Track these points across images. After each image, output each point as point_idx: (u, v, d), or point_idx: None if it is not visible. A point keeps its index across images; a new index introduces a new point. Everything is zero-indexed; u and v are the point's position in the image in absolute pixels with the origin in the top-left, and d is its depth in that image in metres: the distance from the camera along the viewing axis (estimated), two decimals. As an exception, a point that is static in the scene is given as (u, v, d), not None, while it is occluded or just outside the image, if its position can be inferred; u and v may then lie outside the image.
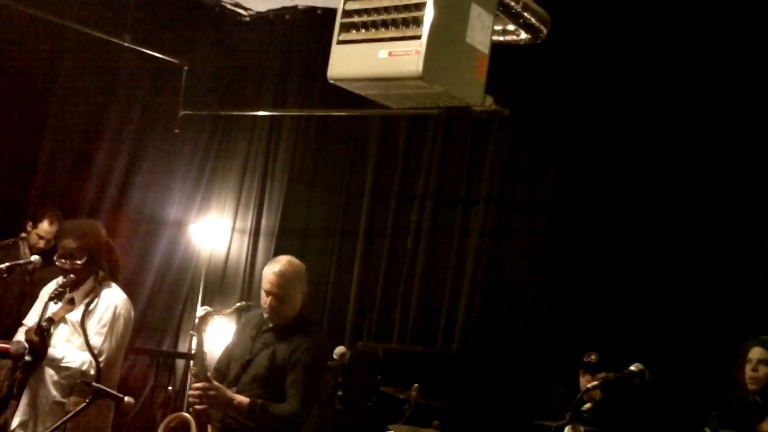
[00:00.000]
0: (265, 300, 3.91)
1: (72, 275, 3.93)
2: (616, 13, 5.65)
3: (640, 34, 5.58)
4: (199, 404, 3.69)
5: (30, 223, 5.68)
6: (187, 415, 3.76)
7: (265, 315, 3.93)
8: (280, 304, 3.89)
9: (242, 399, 3.74)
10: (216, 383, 3.75)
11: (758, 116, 5.19)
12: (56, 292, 3.88)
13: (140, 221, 7.48)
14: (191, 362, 3.93)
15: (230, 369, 3.97)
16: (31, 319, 4.17)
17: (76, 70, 6.96)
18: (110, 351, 3.95)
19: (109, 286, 4.11)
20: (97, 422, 3.97)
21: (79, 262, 3.97)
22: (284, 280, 3.89)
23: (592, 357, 4.70)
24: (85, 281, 4.03)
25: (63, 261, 3.98)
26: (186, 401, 3.95)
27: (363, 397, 5.28)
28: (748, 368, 4.20)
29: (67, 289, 3.93)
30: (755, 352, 4.20)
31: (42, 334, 3.73)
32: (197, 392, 3.70)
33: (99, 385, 3.35)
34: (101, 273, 4.09)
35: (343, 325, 6.72)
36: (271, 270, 3.93)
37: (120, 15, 6.85)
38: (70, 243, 4.01)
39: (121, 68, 7.24)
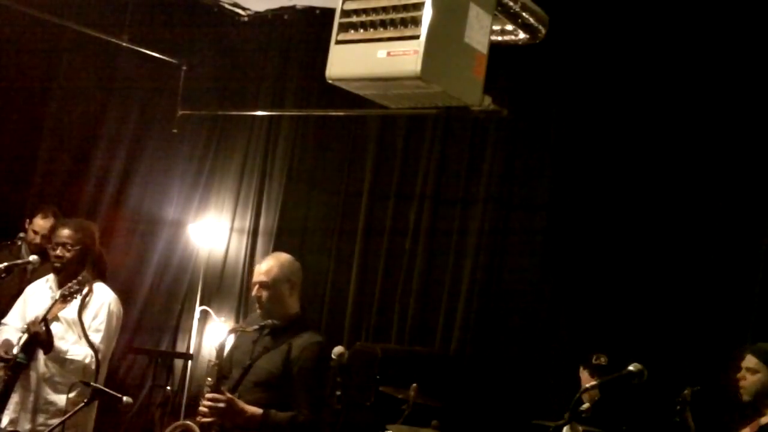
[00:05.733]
0: (254, 294, 3.87)
1: (62, 261, 3.97)
2: (615, 14, 5.65)
3: (638, 34, 5.58)
4: (210, 416, 3.61)
5: (27, 221, 5.70)
6: (191, 423, 3.68)
7: (258, 311, 3.87)
8: (269, 296, 3.81)
9: (255, 410, 3.64)
10: (228, 395, 3.64)
11: (756, 116, 5.19)
12: (69, 290, 3.92)
13: (138, 221, 7.48)
14: (208, 373, 3.80)
15: (232, 371, 3.88)
16: (12, 318, 4.20)
17: (74, 70, 6.97)
18: (106, 349, 4.02)
19: (98, 283, 4.14)
20: (85, 419, 4.00)
21: (70, 250, 4.00)
22: (271, 272, 3.83)
23: (602, 359, 4.65)
24: (74, 277, 4.03)
25: (55, 248, 4.01)
26: (184, 407, 3.82)
27: (361, 397, 5.28)
28: (738, 376, 4.00)
29: (72, 288, 3.95)
30: (746, 360, 3.97)
31: (48, 327, 3.76)
32: (209, 403, 3.61)
33: (98, 385, 3.37)
34: (92, 272, 4.12)
35: (341, 324, 6.72)
36: (258, 264, 3.96)
37: (118, 15, 6.85)
38: (64, 231, 4.08)
39: (119, 68, 7.24)
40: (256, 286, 3.85)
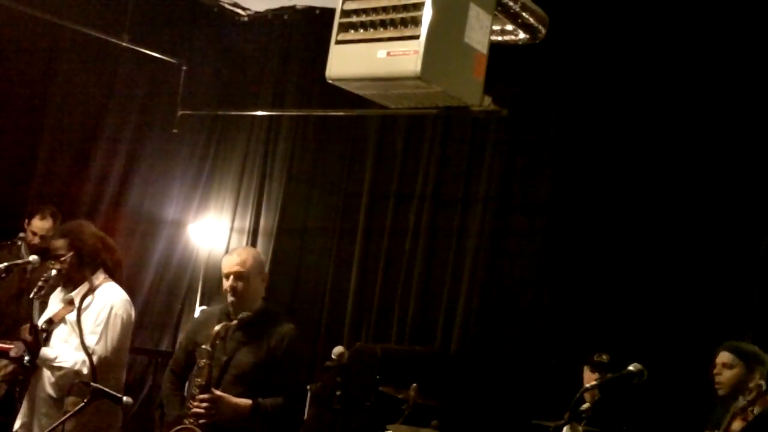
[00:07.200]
0: (228, 285, 3.83)
1: (62, 272, 3.94)
2: (615, 13, 5.66)
3: (638, 34, 5.58)
4: (207, 416, 3.63)
5: (27, 221, 5.70)
6: (193, 427, 3.66)
7: (230, 299, 3.84)
8: (245, 288, 3.82)
9: (245, 403, 3.70)
10: (220, 393, 3.68)
11: (756, 115, 5.19)
12: (39, 287, 3.85)
13: (139, 221, 7.48)
14: (198, 373, 3.80)
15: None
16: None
17: (74, 70, 6.96)
18: (104, 351, 3.90)
19: (107, 284, 4.07)
20: (99, 423, 3.93)
21: (66, 260, 3.96)
22: (247, 262, 3.85)
23: (604, 357, 4.67)
24: (81, 281, 3.99)
25: (53, 262, 3.99)
26: (186, 411, 3.80)
27: (361, 397, 5.28)
28: (714, 372, 4.16)
29: (51, 285, 3.91)
30: (720, 357, 4.15)
31: (36, 333, 3.73)
32: (204, 404, 3.63)
33: (97, 385, 3.33)
34: (99, 271, 4.06)
35: (341, 324, 6.73)
36: (230, 256, 3.95)
37: (118, 15, 6.86)
38: (55, 243, 4.04)
39: (119, 68, 7.25)
40: (231, 277, 3.84)
